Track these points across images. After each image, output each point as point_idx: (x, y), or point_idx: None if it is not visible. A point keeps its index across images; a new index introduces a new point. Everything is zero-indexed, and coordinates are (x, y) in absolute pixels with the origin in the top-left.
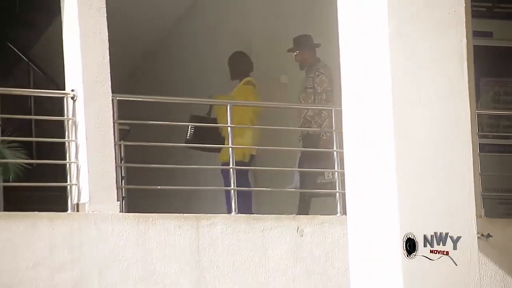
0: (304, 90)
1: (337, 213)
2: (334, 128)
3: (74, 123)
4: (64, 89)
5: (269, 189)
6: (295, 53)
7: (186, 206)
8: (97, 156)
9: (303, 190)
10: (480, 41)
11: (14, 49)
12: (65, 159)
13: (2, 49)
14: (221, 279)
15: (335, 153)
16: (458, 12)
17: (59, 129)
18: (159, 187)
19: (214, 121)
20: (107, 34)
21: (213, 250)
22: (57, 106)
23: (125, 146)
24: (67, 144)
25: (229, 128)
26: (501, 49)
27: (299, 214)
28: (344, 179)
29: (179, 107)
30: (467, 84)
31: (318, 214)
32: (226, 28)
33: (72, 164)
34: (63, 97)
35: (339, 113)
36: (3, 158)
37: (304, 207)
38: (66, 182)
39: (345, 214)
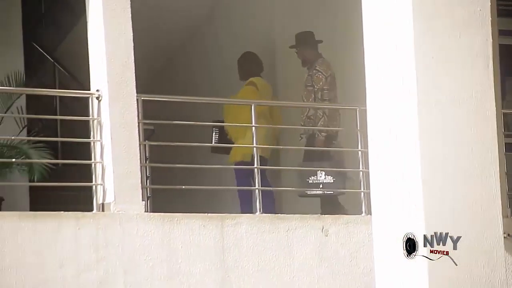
0: (305, 88)
1: (362, 213)
2: (358, 128)
3: (99, 123)
4: (89, 89)
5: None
6: (296, 50)
7: (211, 206)
8: (122, 156)
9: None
10: (505, 40)
11: (40, 49)
12: (90, 159)
13: (28, 49)
14: (245, 279)
15: (359, 152)
16: (484, 11)
17: (84, 129)
18: (183, 187)
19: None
20: (131, 34)
21: (237, 250)
22: (82, 106)
23: (150, 146)
24: (92, 144)
25: (253, 129)
26: None
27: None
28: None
29: (203, 107)
30: (493, 83)
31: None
32: (250, 27)
33: (97, 164)
34: (88, 97)
35: (363, 113)
36: (29, 158)
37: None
38: (92, 182)
39: (370, 214)
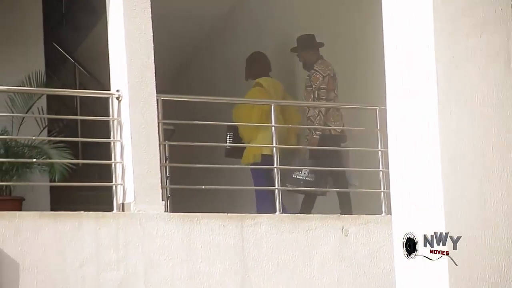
0: (305, 89)
1: (382, 212)
2: (378, 128)
3: (119, 123)
4: (109, 89)
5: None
6: (297, 54)
7: (231, 206)
8: (142, 156)
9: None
10: None
11: (60, 49)
12: (111, 159)
13: (49, 50)
14: (265, 279)
15: (379, 152)
16: (504, 10)
17: (104, 129)
18: (203, 186)
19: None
20: (152, 34)
21: (257, 250)
22: (102, 106)
23: (170, 146)
24: (112, 144)
25: (273, 128)
26: None
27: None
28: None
29: (223, 106)
30: None
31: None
32: (269, 26)
33: (118, 164)
34: (108, 97)
35: (383, 112)
36: (50, 158)
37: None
38: (112, 182)
39: (390, 214)
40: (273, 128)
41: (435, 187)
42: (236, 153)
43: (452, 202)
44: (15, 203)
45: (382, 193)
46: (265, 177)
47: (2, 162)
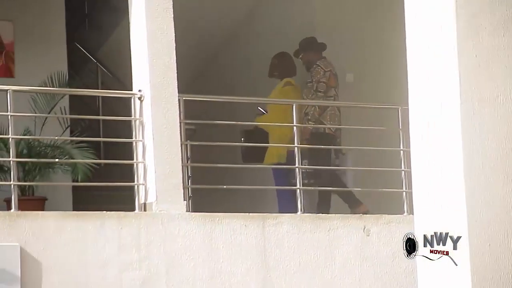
0: (306, 85)
1: (404, 212)
2: (400, 127)
3: (141, 123)
4: (131, 90)
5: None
6: (300, 56)
7: (252, 206)
8: (163, 156)
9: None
10: None
11: (83, 50)
12: (132, 159)
13: (71, 50)
14: (287, 279)
15: (401, 152)
16: None
17: (126, 129)
18: (225, 186)
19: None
20: (174, 34)
21: (279, 250)
22: (124, 106)
23: (191, 145)
24: (134, 144)
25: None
26: None
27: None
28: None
29: (245, 106)
30: None
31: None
32: (291, 26)
33: (139, 164)
34: (130, 98)
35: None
36: (72, 158)
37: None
38: (134, 182)
39: (412, 214)
40: (294, 128)
41: (457, 187)
42: (254, 157)
43: (474, 202)
44: (38, 203)
45: (404, 192)
46: (287, 177)
47: (25, 162)
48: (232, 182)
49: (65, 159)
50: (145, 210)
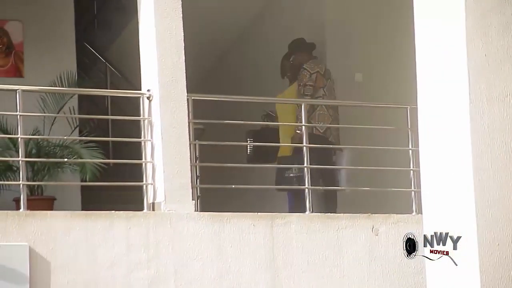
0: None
1: (413, 212)
2: (409, 127)
3: (150, 122)
4: (140, 89)
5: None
6: (291, 59)
7: (261, 205)
8: (172, 156)
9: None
10: None
11: (92, 49)
12: (141, 159)
13: (80, 50)
14: (295, 278)
15: (410, 151)
16: None
17: (135, 129)
18: (233, 186)
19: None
20: (182, 34)
21: (287, 249)
22: (133, 106)
23: (200, 145)
24: (143, 143)
25: (303, 128)
26: None
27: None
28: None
29: (253, 106)
30: None
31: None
32: (300, 26)
33: (148, 164)
34: (139, 97)
35: (414, 111)
36: (81, 158)
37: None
38: (142, 181)
39: (421, 213)
40: (303, 127)
41: (466, 186)
42: (259, 158)
43: (483, 201)
44: (47, 203)
45: (413, 192)
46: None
47: (34, 162)
48: (241, 181)
49: (74, 158)
50: (153, 209)
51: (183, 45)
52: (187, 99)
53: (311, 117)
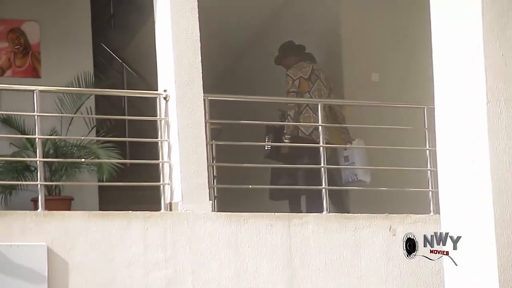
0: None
1: (430, 212)
2: (426, 126)
3: (167, 123)
4: (156, 90)
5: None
6: (281, 62)
7: (278, 205)
8: (189, 156)
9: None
10: None
11: (109, 50)
12: (158, 159)
13: (97, 50)
14: (313, 279)
15: (427, 151)
16: None
17: (151, 129)
18: (250, 186)
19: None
20: (199, 34)
21: (304, 250)
22: (150, 106)
23: (217, 145)
24: (159, 144)
25: (320, 128)
26: None
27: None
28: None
29: (270, 106)
30: None
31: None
32: (316, 26)
33: (165, 164)
34: (155, 97)
35: (431, 111)
36: (98, 158)
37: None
38: (159, 181)
39: (438, 213)
40: (320, 127)
41: (484, 186)
42: (276, 155)
43: (501, 201)
44: (64, 203)
45: (430, 192)
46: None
47: (52, 162)
48: (258, 181)
49: (91, 159)
50: (170, 210)
51: (200, 45)
52: (204, 99)
53: (297, 121)
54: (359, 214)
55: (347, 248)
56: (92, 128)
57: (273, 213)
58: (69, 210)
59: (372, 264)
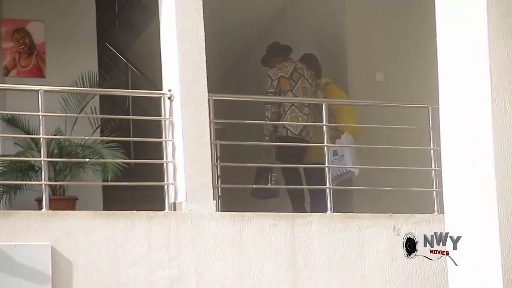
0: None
1: (434, 211)
2: (430, 126)
3: (171, 123)
4: (161, 89)
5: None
6: (268, 63)
7: (282, 205)
8: (193, 156)
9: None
10: None
11: (113, 50)
12: (162, 159)
13: (102, 50)
14: (316, 278)
15: (431, 151)
16: None
17: (156, 129)
18: (254, 186)
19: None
20: (203, 34)
21: (308, 249)
22: (154, 106)
23: (221, 145)
24: (164, 143)
25: (324, 127)
26: None
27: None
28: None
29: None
30: None
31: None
32: (321, 25)
33: (169, 164)
34: (160, 97)
35: (435, 111)
36: (102, 158)
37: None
38: (163, 181)
39: (442, 213)
40: (324, 127)
41: (488, 186)
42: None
43: (505, 201)
44: (69, 203)
45: (435, 192)
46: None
47: (56, 162)
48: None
49: (96, 158)
50: (175, 209)
51: (204, 45)
52: (208, 99)
53: (284, 120)
54: (363, 214)
55: (351, 248)
56: (96, 128)
57: (277, 213)
58: (74, 210)
59: (376, 264)
